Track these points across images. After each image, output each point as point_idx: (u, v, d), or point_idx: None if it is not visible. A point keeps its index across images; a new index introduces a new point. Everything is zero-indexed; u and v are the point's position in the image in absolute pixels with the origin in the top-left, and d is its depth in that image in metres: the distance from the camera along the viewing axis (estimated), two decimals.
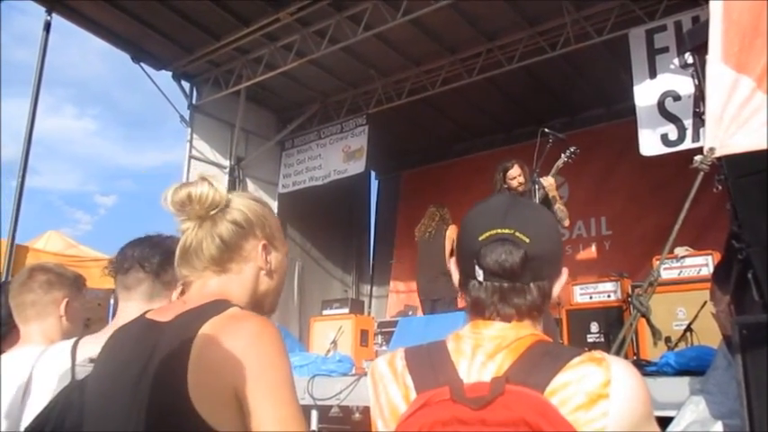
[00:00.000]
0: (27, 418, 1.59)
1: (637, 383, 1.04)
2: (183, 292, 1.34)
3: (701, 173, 2.02)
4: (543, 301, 1.14)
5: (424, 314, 7.08)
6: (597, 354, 1.06)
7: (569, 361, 1.03)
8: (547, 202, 5.21)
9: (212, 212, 1.30)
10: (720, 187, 1.83)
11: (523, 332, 1.11)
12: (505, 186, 5.35)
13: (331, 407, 4.44)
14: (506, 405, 0.98)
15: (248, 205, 1.36)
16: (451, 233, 6.98)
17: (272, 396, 1.13)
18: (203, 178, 1.30)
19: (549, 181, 5.16)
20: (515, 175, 5.30)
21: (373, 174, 11.88)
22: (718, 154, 1.67)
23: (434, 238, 7.08)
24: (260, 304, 1.36)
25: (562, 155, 5.27)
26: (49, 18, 7.23)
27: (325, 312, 8.25)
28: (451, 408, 1.00)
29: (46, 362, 1.71)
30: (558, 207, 5.26)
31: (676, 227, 2.82)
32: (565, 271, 1.19)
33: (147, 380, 1.15)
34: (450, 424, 1.00)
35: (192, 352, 1.12)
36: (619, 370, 1.03)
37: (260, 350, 1.14)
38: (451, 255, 6.85)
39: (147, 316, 1.29)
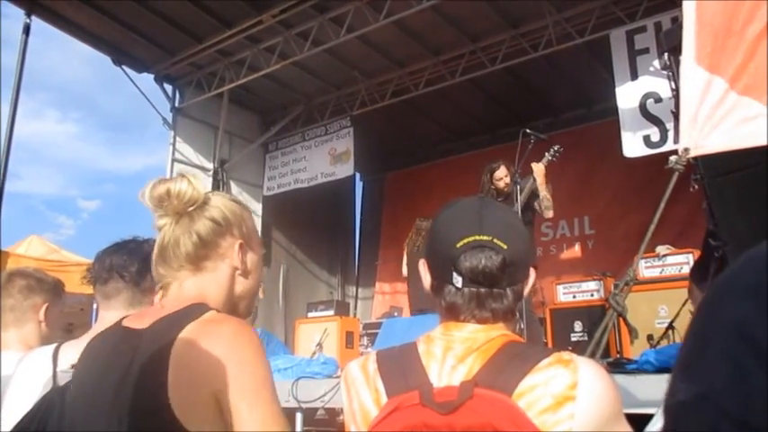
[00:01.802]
0: (7, 425, 1.57)
1: (604, 385, 1.04)
2: (162, 295, 1.33)
3: (677, 173, 2.04)
4: (516, 304, 1.15)
5: None
6: (566, 355, 1.07)
7: (537, 363, 1.04)
8: (532, 198, 5.25)
9: (190, 209, 1.30)
10: (697, 187, 1.85)
11: (494, 333, 1.11)
12: (493, 188, 5.39)
13: (316, 409, 4.44)
14: (474, 409, 0.98)
15: (227, 204, 1.36)
16: None
17: (253, 399, 1.12)
18: (182, 175, 1.30)
19: (539, 167, 5.18)
20: (502, 175, 5.34)
21: (358, 175, 11.87)
22: (692, 154, 1.69)
23: (421, 252, 7.14)
24: (235, 306, 1.36)
25: (546, 153, 5.31)
26: (28, 21, 7.13)
27: (310, 315, 8.23)
28: (420, 413, 1.01)
29: (27, 368, 1.69)
30: (545, 195, 5.28)
31: (652, 226, 2.85)
32: (533, 271, 1.20)
33: (127, 389, 1.14)
34: (419, 429, 1.00)
35: (171, 359, 1.12)
36: (586, 372, 1.04)
37: (238, 353, 1.14)
38: None
39: (124, 323, 1.28)
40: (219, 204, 1.34)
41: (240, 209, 1.39)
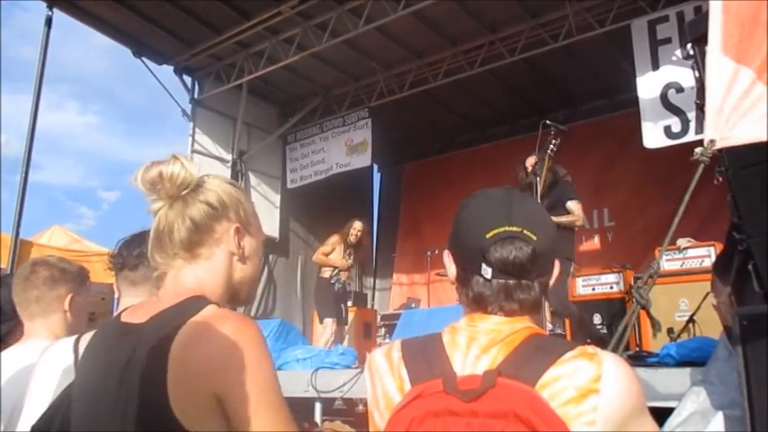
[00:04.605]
0: (31, 415, 1.59)
1: (628, 378, 1.05)
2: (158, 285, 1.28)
3: (702, 165, 2.02)
4: (542, 296, 1.15)
5: (321, 321, 7.33)
6: (590, 349, 1.07)
7: (561, 356, 1.04)
8: (554, 187, 5.24)
9: (184, 192, 1.25)
10: (721, 179, 1.82)
11: (519, 326, 1.12)
12: (527, 179, 5.35)
13: (334, 399, 4.46)
14: (497, 397, 0.99)
15: (222, 187, 1.31)
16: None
17: (256, 400, 1.09)
18: (175, 157, 1.25)
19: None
20: (531, 163, 5.33)
21: (375, 166, 11.86)
22: (718, 146, 1.67)
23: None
24: (236, 293, 1.31)
25: (547, 150, 5.26)
26: (50, 13, 7.23)
27: None
28: (444, 399, 1.02)
29: (49, 358, 1.70)
30: (572, 222, 5.35)
31: (676, 219, 2.82)
32: (557, 264, 1.20)
33: (126, 388, 1.10)
34: (442, 415, 1.02)
35: (170, 359, 1.08)
36: (610, 365, 1.04)
37: (239, 354, 1.09)
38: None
39: (122, 318, 1.25)
40: (215, 187, 1.29)
41: (237, 191, 1.34)
